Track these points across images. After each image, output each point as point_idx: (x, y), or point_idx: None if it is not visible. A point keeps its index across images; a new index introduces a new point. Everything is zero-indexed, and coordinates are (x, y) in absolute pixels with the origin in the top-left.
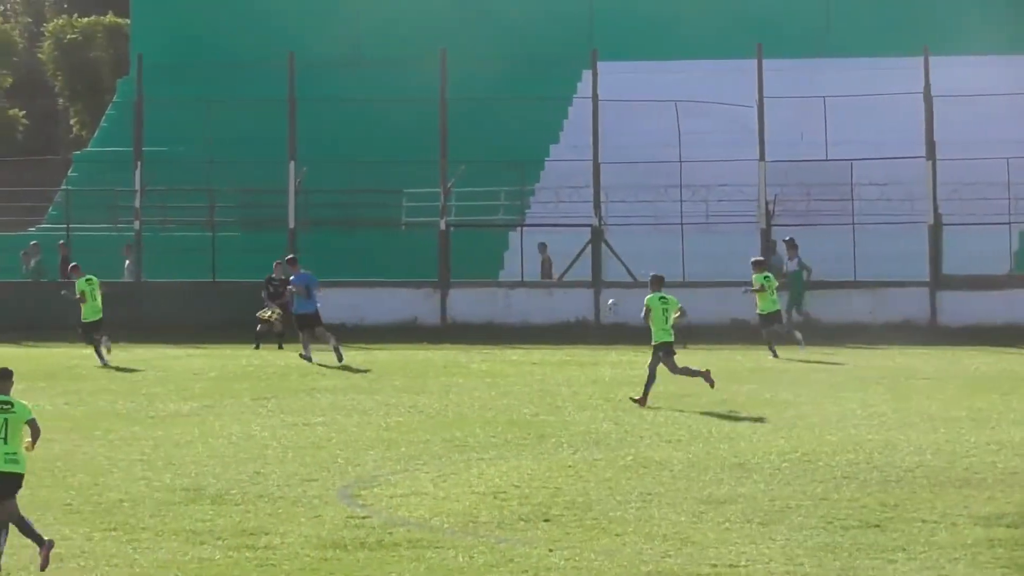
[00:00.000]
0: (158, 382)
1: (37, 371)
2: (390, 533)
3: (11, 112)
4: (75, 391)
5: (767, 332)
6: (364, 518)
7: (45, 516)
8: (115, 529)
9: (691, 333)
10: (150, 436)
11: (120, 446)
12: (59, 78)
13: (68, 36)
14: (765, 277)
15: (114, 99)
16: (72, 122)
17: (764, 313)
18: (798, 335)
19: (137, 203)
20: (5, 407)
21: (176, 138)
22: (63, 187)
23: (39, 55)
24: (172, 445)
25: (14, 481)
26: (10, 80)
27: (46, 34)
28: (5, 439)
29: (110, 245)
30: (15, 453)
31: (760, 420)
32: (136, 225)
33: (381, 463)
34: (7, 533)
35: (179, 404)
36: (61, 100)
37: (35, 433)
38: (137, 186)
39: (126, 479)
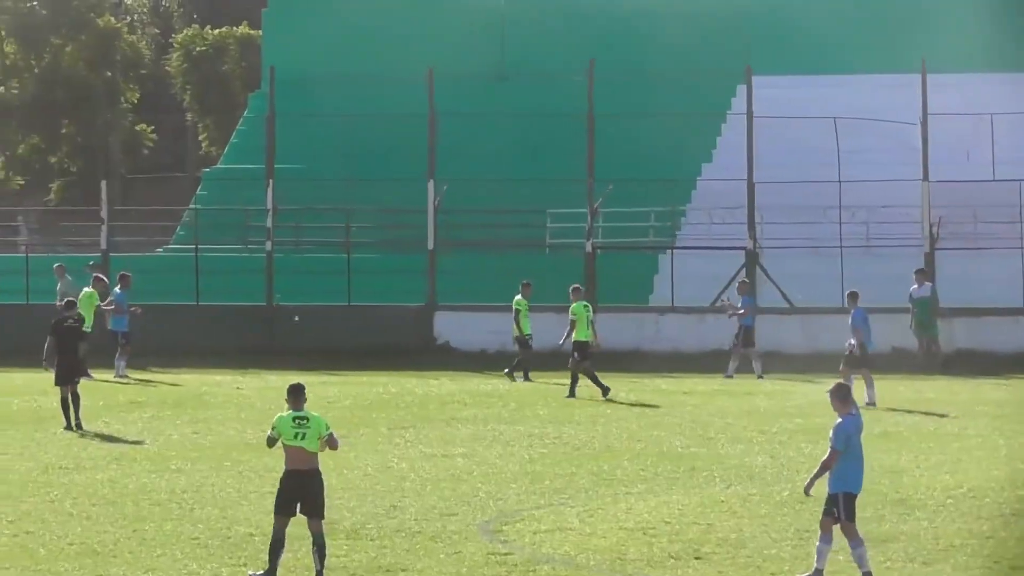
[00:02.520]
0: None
1: (165, 399)
2: (533, 570)
3: (139, 127)
4: (203, 420)
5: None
6: (506, 555)
7: (172, 550)
8: (244, 564)
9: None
10: (281, 467)
11: (250, 477)
12: (188, 92)
13: (198, 48)
14: (584, 306)
15: (245, 114)
16: (201, 138)
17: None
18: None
19: (269, 223)
20: (302, 422)
21: (310, 155)
22: (192, 206)
23: (167, 67)
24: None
25: (316, 486)
26: (137, 94)
27: (175, 45)
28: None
29: (240, 267)
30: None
31: (924, 454)
32: (268, 246)
33: (524, 497)
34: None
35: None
36: (190, 115)
37: (332, 445)
38: (269, 205)
39: (256, 512)
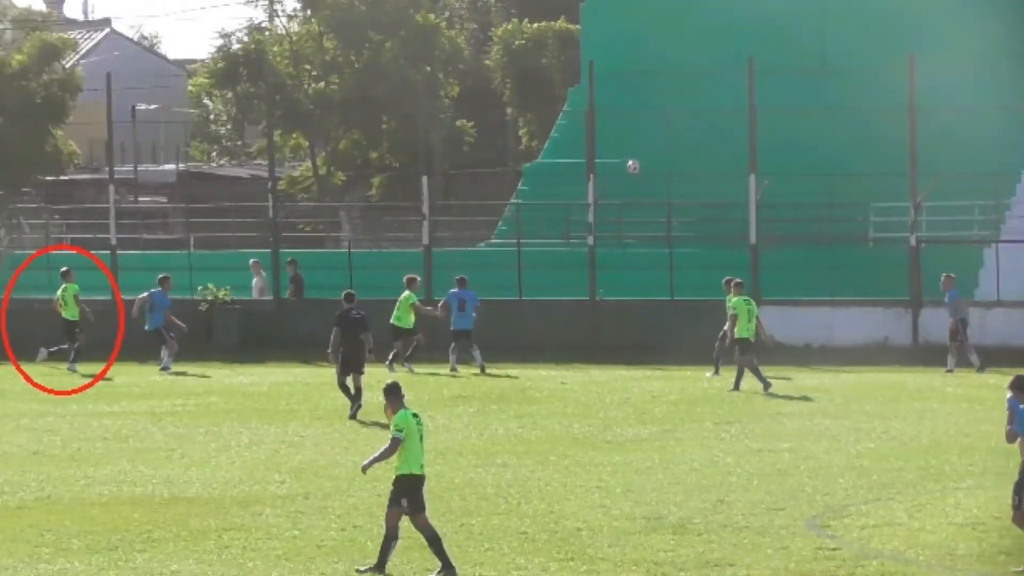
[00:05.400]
0: (615, 405)
1: (490, 394)
2: (862, 566)
3: (459, 123)
4: (529, 414)
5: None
6: (834, 550)
7: (499, 544)
8: (572, 559)
9: None
10: (608, 462)
11: (576, 472)
12: (507, 87)
13: (516, 42)
14: (745, 301)
15: (564, 108)
16: (521, 132)
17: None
18: None
19: (590, 217)
20: (417, 420)
21: (629, 149)
22: (513, 200)
23: (486, 62)
24: (631, 471)
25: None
26: (456, 89)
27: (494, 40)
28: (421, 449)
29: (562, 261)
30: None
31: None
32: (590, 240)
33: (852, 492)
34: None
35: (638, 428)
36: (510, 110)
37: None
38: (590, 199)
39: (583, 507)
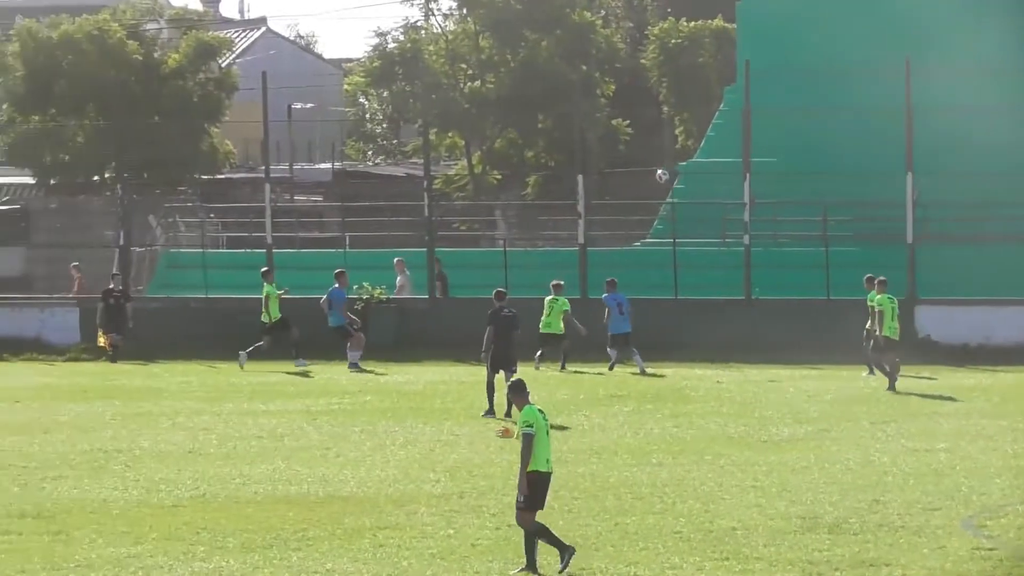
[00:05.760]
0: (771, 404)
1: (646, 393)
2: (1019, 566)
3: (615, 122)
4: (684, 413)
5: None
6: (991, 550)
7: (654, 544)
8: (727, 559)
9: None
10: (763, 461)
11: (732, 471)
12: (663, 85)
13: (672, 41)
14: (889, 299)
15: (720, 107)
16: (677, 132)
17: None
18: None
19: (746, 216)
20: (543, 415)
21: (785, 148)
22: (668, 200)
23: (642, 60)
24: (787, 471)
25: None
26: (612, 87)
27: (650, 38)
28: (548, 445)
29: (717, 261)
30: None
31: None
32: (745, 240)
33: (1009, 492)
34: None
35: (793, 428)
36: (666, 108)
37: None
38: (746, 198)
39: (738, 506)
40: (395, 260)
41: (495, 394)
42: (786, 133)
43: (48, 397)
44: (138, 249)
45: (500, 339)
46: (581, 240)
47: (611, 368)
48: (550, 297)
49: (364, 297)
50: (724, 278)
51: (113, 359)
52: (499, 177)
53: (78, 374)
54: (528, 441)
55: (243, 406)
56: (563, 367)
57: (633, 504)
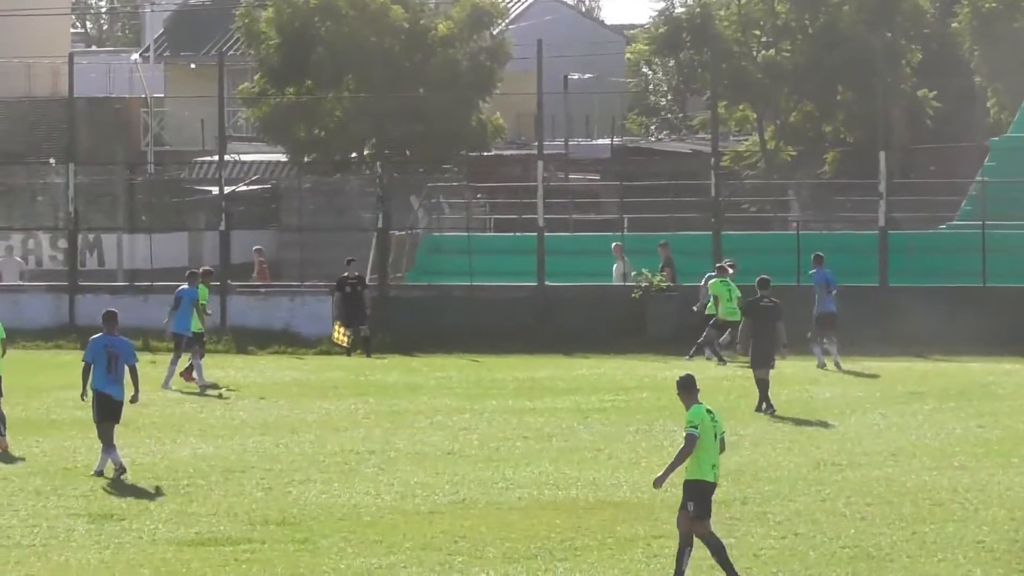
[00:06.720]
0: None
1: (948, 389)
2: None
3: (921, 93)
4: (990, 412)
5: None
6: None
7: (954, 554)
8: None
9: None
10: None
11: None
12: (976, 53)
13: (987, 4)
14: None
15: None
16: (990, 104)
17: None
18: None
19: None
20: (712, 417)
21: None
22: (978, 178)
23: (953, 25)
24: None
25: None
26: (919, 56)
27: (962, 1)
28: (716, 450)
29: None
30: (719, 467)
31: None
32: None
33: None
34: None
35: None
36: (978, 78)
37: (721, 450)
38: None
39: None
40: (613, 245)
41: (767, 389)
42: None
43: (296, 394)
44: (398, 233)
45: (760, 331)
46: (882, 222)
47: (820, 365)
48: (719, 279)
49: (643, 285)
50: None
51: (367, 352)
52: (793, 153)
53: (329, 368)
54: (690, 444)
55: (507, 404)
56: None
57: (932, 511)
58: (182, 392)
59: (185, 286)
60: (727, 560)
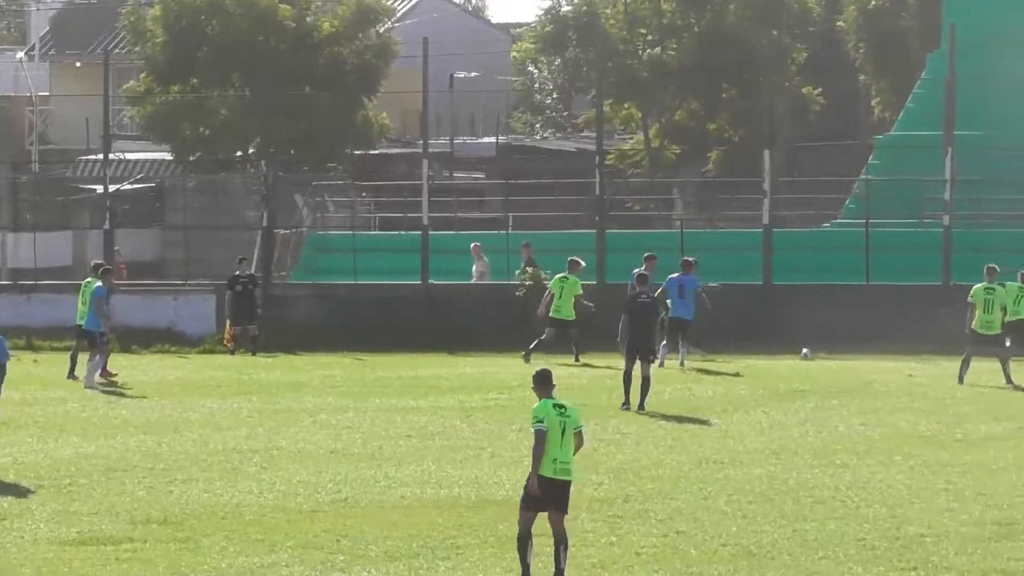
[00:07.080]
0: (967, 400)
1: (830, 388)
2: None
3: (806, 91)
4: (872, 410)
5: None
6: None
7: (835, 552)
8: (914, 568)
9: None
10: (957, 462)
11: (922, 473)
12: (861, 51)
13: (873, 3)
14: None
15: (922, 76)
16: (874, 102)
17: None
18: None
19: (947, 195)
20: (561, 411)
21: (990, 121)
22: (862, 176)
23: (838, 23)
24: (983, 472)
25: (567, 490)
26: (804, 54)
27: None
28: (560, 445)
29: (913, 242)
30: (568, 462)
31: None
32: (946, 220)
33: None
34: (567, 549)
35: (991, 425)
36: (862, 77)
37: (579, 445)
38: (947, 175)
39: (928, 511)
40: (472, 245)
41: (631, 385)
42: (993, 104)
43: (179, 392)
44: (283, 231)
45: (636, 327)
46: (766, 220)
47: (681, 364)
48: (560, 276)
49: (528, 284)
50: (921, 262)
51: (254, 351)
52: (678, 152)
53: (212, 367)
54: (539, 439)
55: (391, 402)
56: (576, 358)
57: (813, 508)
58: (102, 391)
59: (98, 283)
60: (525, 553)
